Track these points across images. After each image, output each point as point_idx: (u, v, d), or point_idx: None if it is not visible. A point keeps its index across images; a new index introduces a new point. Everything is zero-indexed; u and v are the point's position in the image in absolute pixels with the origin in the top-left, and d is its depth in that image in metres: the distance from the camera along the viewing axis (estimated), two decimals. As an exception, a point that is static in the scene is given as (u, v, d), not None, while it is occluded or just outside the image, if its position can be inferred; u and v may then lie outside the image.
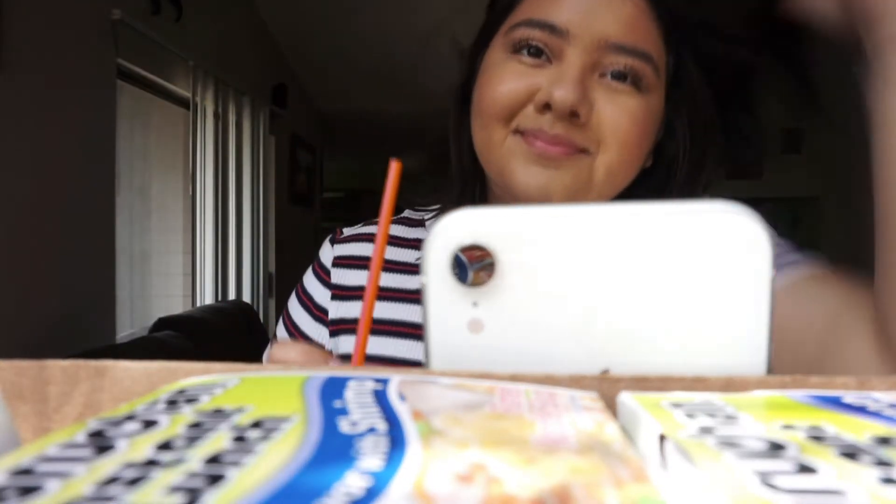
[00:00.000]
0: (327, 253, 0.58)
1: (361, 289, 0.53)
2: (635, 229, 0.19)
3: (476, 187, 0.53)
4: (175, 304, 2.50)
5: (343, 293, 0.54)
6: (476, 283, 0.19)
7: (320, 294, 0.56)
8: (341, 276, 0.55)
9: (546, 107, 0.44)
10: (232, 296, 2.68)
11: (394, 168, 0.36)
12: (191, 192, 2.40)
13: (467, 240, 0.19)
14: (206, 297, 2.49)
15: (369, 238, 0.56)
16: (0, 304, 1.44)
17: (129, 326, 2.21)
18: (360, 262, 0.55)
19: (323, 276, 0.56)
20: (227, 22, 2.72)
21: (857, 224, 3.92)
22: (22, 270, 1.52)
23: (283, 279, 3.21)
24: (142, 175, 2.38)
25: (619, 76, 0.45)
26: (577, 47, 0.44)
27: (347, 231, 0.59)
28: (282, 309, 0.58)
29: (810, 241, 3.95)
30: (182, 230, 2.51)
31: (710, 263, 0.18)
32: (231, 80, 2.62)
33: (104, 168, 1.86)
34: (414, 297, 0.52)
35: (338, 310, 0.54)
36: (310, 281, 0.58)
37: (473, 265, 0.19)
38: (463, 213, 0.19)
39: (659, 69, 0.46)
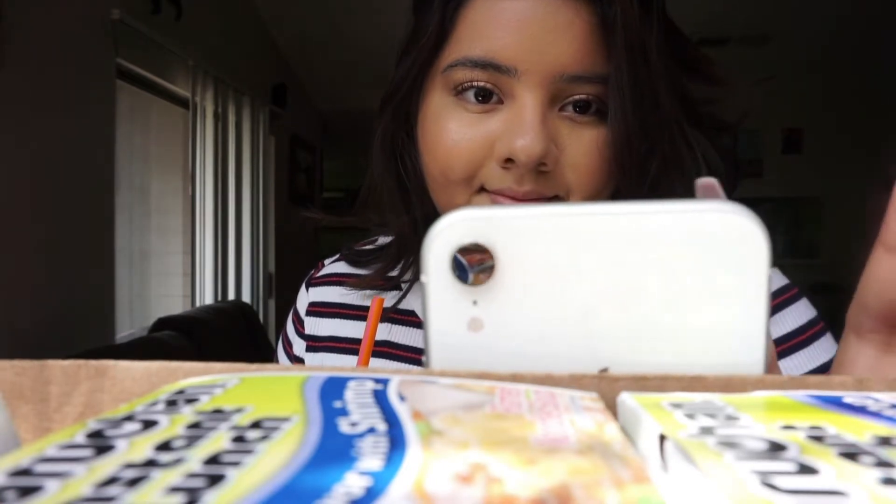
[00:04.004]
0: (303, 299, 0.57)
1: (333, 339, 0.53)
2: (634, 228, 0.19)
3: (419, 211, 0.48)
4: (175, 305, 2.50)
5: (316, 344, 0.54)
6: (476, 283, 0.19)
7: (298, 345, 0.56)
8: (314, 326, 0.55)
9: (509, 160, 0.39)
10: (232, 296, 2.68)
11: (375, 304, 0.37)
12: (190, 192, 2.40)
13: (467, 239, 0.19)
14: (206, 298, 2.49)
15: (340, 280, 0.55)
16: (0, 304, 1.44)
17: (128, 327, 2.21)
18: (331, 310, 0.55)
19: (298, 326, 0.57)
20: (227, 22, 2.71)
21: (856, 224, 3.93)
22: (21, 270, 1.52)
23: (282, 279, 3.21)
24: (141, 175, 2.38)
25: (583, 107, 0.40)
26: (529, 85, 0.39)
27: (324, 269, 0.58)
28: (281, 309, 0.59)
29: (810, 241, 3.96)
30: (182, 230, 2.51)
31: (708, 262, 0.18)
32: (231, 80, 2.62)
33: (104, 168, 1.86)
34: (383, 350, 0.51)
35: (311, 361, 0.54)
36: (290, 327, 0.58)
37: (473, 265, 0.19)
38: (463, 212, 0.19)
39: (622, 86, 0.39)
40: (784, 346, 0.44)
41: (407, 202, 0.48)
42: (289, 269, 3.31)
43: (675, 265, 0.19)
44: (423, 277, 0.20)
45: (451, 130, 0.41)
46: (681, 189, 0.42)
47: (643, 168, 0.42)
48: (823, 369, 0.44)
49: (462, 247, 0.19)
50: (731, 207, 0.18)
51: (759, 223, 0.18)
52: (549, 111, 0.40)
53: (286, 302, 0.61)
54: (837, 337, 0.28)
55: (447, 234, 0.19)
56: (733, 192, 0.44)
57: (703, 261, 0.18)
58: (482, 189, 0.42)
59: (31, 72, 1.53)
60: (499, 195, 0.41)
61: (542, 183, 0.40)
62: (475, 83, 0.40)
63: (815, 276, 3.40)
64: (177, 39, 2.19)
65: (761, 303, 0.18)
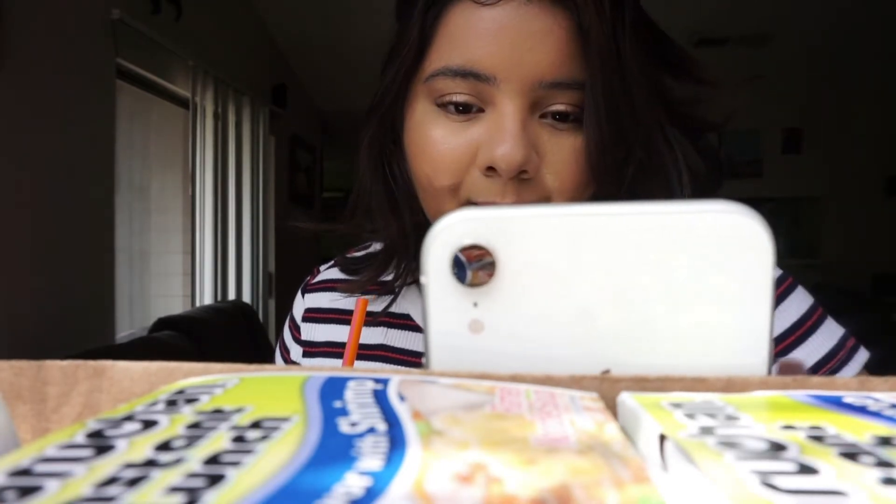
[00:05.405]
0: (299, 306, 0.58)
1: (329, 344, 0.54)
2: (635, 228, 0.19)
3: (409, 217, 0.48)
4: (175, 305, 2.50)
5: (313, 350, 0.55)
6: (476, 283, 0.19)
7: (295, 351, 0.56)
8: (310, 332, 0.55)
9: (491, 168, 0.40)
10: (231, 296, 2.68)
11: (359, 304, 0.37)
12: (190, 192, 2.40)
13: (467, 239, 0.19)
14: (206, 297, 2.48)
15: (334, 287, 0.56)
16: (0, 304, 1.44)
17: (128, 327, 2.20)
18: (327, 316, 0.55)
19: (294, 332, 0.57)
20: (227, 22, 2.71)
21: (856, 224, 3.93)
22: (21, 270, 1.52)
23: (282, 279, 3.21)
24: (141, 175, 2.38)
25: (562, 116, 0.40)
26: (508, 92, 0.39)
27: (319, 275, 0.58)
28: (281, 309, 0.59)
29: (810, 241, 3.96)
30: (182, 230, 2.51)
31: (711, 263, 0.18)
32: (231, 80, 2.61)
33: (104, 168, 1.86)
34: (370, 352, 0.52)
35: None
36: (287, 334, 0.59)
37: (473, 265, 0.19)
38: (463, 212, 0.19)
39: (597, 93, 0.39)
40: (795, 335, 0.45)
41: (395, 209, 0.48)
42: (289, 269, 3.31)
43: (677, 266, 0.19)
44: (422, 278, 0.20)
45: (436, 139, 0.42)
46: (660, 191, 0.43)
47: (620, 172, 0.42)
48: (833, 354, 0.44)
49: (462, 247, 0.19)
50: (734, 208, 0.18)
51: (764, 223, 0.18)
52: (530, 118, 0.40)
53: (286, 302, 0.61)
54: None
55: (446, 235, 0.19)
56: (717, 191, 0.44)
57: (706, 261, 0.18)
58: (468, 202, 0.42)
59: (31, 72, 1.53)
60: (484, 205, 0.41)
61: (524, 192, 0.41)
62: (454, 97, 0.41)
63: (815, 276, 3.40)
64: (177, 39, 2.18)
65: (766, 303, 0.18)
